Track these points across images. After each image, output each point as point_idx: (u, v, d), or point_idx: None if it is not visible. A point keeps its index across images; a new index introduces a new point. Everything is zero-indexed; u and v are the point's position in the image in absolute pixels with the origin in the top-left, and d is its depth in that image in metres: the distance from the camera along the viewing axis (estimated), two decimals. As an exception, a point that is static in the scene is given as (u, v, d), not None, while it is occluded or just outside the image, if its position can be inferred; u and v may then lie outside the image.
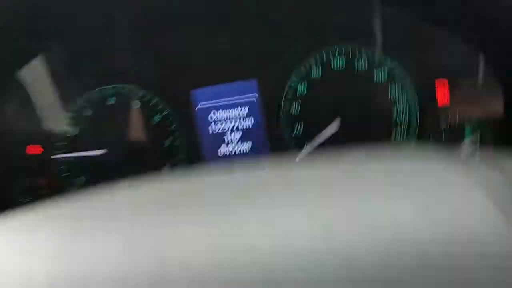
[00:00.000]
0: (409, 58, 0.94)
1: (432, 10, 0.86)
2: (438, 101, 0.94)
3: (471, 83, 0.93)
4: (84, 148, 1.00)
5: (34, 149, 1.02)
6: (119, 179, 0.96)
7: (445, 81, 0.93)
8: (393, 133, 0.96)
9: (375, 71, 0.95)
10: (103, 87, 1.01)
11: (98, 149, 0.99)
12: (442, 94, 0.94)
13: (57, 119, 1.01)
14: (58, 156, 1.00)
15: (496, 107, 0.92)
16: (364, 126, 0.95)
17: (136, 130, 1.01)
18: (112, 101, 1.01)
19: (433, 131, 0.95)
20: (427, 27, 0.91)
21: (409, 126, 0.95)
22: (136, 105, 1.00)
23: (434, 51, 0.92)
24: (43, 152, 1.01)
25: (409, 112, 0.95)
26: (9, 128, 0.99)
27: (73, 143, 1.01)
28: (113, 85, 1.00)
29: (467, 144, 0.93)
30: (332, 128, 0.95)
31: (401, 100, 0.95)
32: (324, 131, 0.95)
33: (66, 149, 1.01)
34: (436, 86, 0.94)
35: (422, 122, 0.95)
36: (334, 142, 0.95)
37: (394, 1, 0.88)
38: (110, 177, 0.99)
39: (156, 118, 1.00)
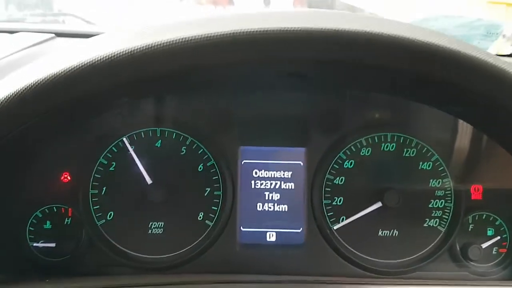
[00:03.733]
0: (451, 158, 1.01)
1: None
2: (472, 196, 1.01)
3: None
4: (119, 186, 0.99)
5: (67, 177, 0.99)
6: (149, 220, 0.98)
7: (480, 187, 1.01)
8: (427, 220, 1.01)
9: (420, 162, 1.00)
10: (150, 128, 0.99)
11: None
12: (476, 190, 1.01)
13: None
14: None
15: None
16: (402, 210, 0.99)
17: (179, 175, 1.00)
18: (158, 144, 0.99)
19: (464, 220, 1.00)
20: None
21: (442, 214, 1.01)
22: (181, 152, 1.00)
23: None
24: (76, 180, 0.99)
25: (445, 203, 1.01)
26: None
27: (109, 179, 0.99)
28: (161, 128, 0.99)
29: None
30: (371, 208, 0.99)
31: (440, 191, 1.01)
32: (362, 211, 0.99)
33: (102, 182, 0.99)
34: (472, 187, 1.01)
35: (455, 213, 1.00)
36: (371, 221, 1.00)
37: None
38: (140, 218, 1.00)
39: (200, 167, 1.00)
